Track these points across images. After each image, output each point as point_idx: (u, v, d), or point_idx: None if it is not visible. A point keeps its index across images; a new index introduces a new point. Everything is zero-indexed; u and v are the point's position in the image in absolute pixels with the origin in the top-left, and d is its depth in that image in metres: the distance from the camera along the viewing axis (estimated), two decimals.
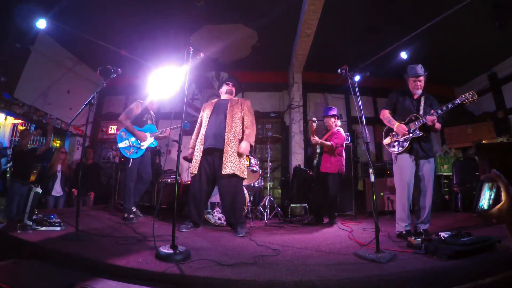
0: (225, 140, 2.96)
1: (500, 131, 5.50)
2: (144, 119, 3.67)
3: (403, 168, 2.72)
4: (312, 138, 3.82)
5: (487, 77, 6.12)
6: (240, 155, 2.97)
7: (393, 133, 2.85)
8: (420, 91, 2.87)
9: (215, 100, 3.36)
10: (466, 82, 6.66)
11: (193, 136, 3.28)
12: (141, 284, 1.47)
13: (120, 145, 3.48)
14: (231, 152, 2.92)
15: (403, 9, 4.41)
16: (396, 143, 2.81)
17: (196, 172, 2.99)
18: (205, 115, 3.21)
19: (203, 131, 3.11)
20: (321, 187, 3.83)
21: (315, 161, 3.98)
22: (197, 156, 3.02)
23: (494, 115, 5.88)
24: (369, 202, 4.83)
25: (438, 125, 2.68)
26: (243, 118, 3.14)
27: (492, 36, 4.75)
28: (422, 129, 2.69)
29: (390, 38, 4.87)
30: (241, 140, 3.04)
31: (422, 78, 2.85)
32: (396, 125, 2.79)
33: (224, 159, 2.89)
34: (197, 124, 3.30)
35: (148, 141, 3.61)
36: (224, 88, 3.35)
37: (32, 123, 5.74)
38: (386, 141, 2.90)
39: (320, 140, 3.78)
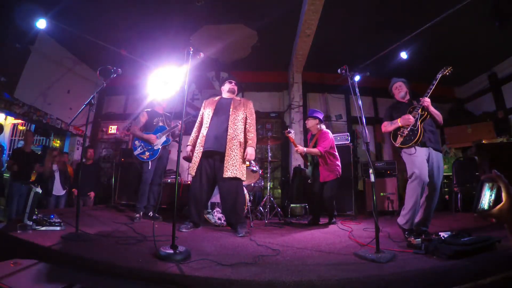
0: (227, 143, 2.92)
1: (500, 131, 5.51)
2: (154, 123, 3.78)
3: (421, 162, 2.63)
4: (296, 149, 3.67)
5: (487, 77, 6.12)
6: (243, 160, 2.99)
7: (401, 131, 2.81)
8: (403, 94, 2.97)
9: (217, 98, 3.28)
10: (466, 82, 6.66)
11: (193, 134, 3.22)
12: (141, 284, 1.47)
13: (136, 152, 3.64)
14: (232, 155, 2.89)
15: (403, 9, 4.41)
16: (407, 137, 2.75)
17: (194, 174, 2.97)
18: (206, 114, 3.15)
19: (204, 131, 3.05)
20: (319, 194, 3.71)
21: (308, 170, 3.86)
22: (197, 158, 2.99)
23: (494, 115, 5.89)
24: (369, 202, 4.83)
25: (436, 111, 2.74)
26: (245, 120, 3.11)
27: (492, 36, 4.75)
28: (423, 110, 2.75)
29: (390, 38, 4.87)
30: (242, 143, 3.02)
31: (400, 83, 3.00)
32: (399, 119, 2.80)
33: (225, 162, 2.87)
34: (197, 122, 3.25)
35: (160, 140, 3.70)
36: (227, 86, 3.29)
37: (32, 123, 5.74)
38: (398, 141, 2.82)
39: (305, 148, 3.66)
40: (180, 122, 3.56)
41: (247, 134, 3.08)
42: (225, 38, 5.36)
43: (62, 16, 4.44)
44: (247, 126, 3.10)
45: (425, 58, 5.29)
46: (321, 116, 3.89)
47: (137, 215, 3.44)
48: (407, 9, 4.40)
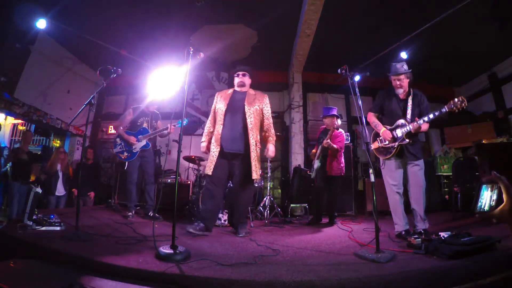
0: (248, 145, 2.80)
1: (500, 131, 5.50)
2: (138, 123, 3.80)
3: (391, 173, 2.74)
4: (326, 141, 3.70)
5: (487, 77, 6.11)
6: (260, 158, 2.90)
7: (381, 138, 2.82)
8: (401, 90, 2.75)
9: (230, 91, 3.07)
10: (466, 82, 6.66)
11: (207, 130, 3.04)
12: (141, 284, 1.47)
13: (115, 150, 3.71)
14: (253, 156, 2.78)
15: (403, 9, 4.41)
16: (383, 149, 2.79)
17: (211, 174, 2.80)
18: (219, 109, 2.94)
19: (219, 129, 2.88)
20: (323, 188, 3.83)
21: (318, 163, 3.89)
22: (213, 157, 2.82)
23: (494, 115, 5.88)
24: (369, 202, 4.83)
25: (424, 127, 2.62)
26: (260, 115, 2.95)
27: (492, 36, 4.75)
28: (409, 136, 2.63)
29: (390, 38, 4.87)
30: (258, 141, 2.91)
31: (402, 77, 2.70)
32: (382, 130, 2.75)
33: (252, 165, 2.76)
34: (211, 114, 3.05)
35: (140, 144, 3.72)
36: (236, 81, 3.08)
37: (32, 123, 5.74)
38: (374, 145, 2.88)
39: (331, 143, 3.72)
40: (169, 125, 3.65)
41: (267, 131, 2.98)
42: (225, 38, 5.36)
43: (62, 16, 4.43)
44: (265, 123, 2.99)
45: (425, 58, 5.28)
46: (336, 111, 3.98)
47: (129, 213, 3.51)
48: (407, 9, 4.40)
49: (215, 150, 2.83)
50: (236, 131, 2.84)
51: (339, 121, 3.99)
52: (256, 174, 2.78)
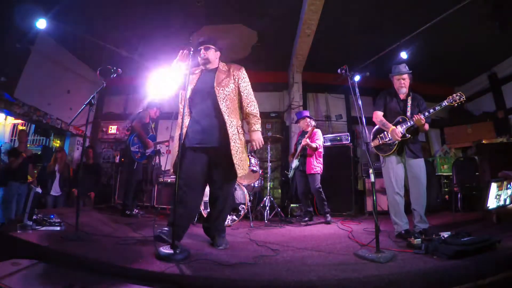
0: (224, 136, 2.18)
1: (500, 131, 5.50)
2: (149, 128, 4.00)
3: (391, 170, 2.73)
4: (305, 140, 3.94)
5: (487, 77, 6.11)
6: (246, 149, 2.35)
7: (381, 135, 2.84)
8: (405, 90, 2.81)
9: (198, 71, 2.41)
10: (466, 82, 6.66)
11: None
12: (141, 284, 1.47)
13: (132, 148, 3.83)
14: (235, 148, 2.18)
15: (403, 9, 4.41)
16: (384, 145, 2.80)
17: (173, 170, 2.30)
18: (183, 95, 2.31)
19: (185, 119, 2.23)
20: (306, 188, 4.06)
21: (296, 162, 4.10)
22: (175, 153, 2.23)
23: (494, 115, 5.88)
24: (369, 202, 4.83)
25: (426, 127, 2.64)
26: (239, 95, 2.34)
27: (492, 36, 4.74)
28: (409, 131, 2.66)
29: (390, 38, 4.87)
30: (240, 127, 2.32)
31: (405, 76, 2.78)
32: (391, 129, 2.75)
33: (234, 159, 2.16)
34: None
35: (151, 149, 3.93)
36: (198, 60, 2.39)
37: (32, 123, 5.74)
38: (374, 143, 2.89)
39: (309, 142, 3.92)
40: (169, 141, 3.90)
41: (247, 112, 2.33)
42: (225, 38, 5.36)
43: (62, 16, 4.43)
44: (244, 102, 2.33)
45: (425, 58, 5.28)
46: (307, 113, 4.30)
47: (130, 212, 3.63)
48: (407, 9, 4.40)
49: (177, 145, 2.14)
50: (206, 121, 2.21)
51: (312, 122, 4.20)
52: (242, 169, 2.21)
